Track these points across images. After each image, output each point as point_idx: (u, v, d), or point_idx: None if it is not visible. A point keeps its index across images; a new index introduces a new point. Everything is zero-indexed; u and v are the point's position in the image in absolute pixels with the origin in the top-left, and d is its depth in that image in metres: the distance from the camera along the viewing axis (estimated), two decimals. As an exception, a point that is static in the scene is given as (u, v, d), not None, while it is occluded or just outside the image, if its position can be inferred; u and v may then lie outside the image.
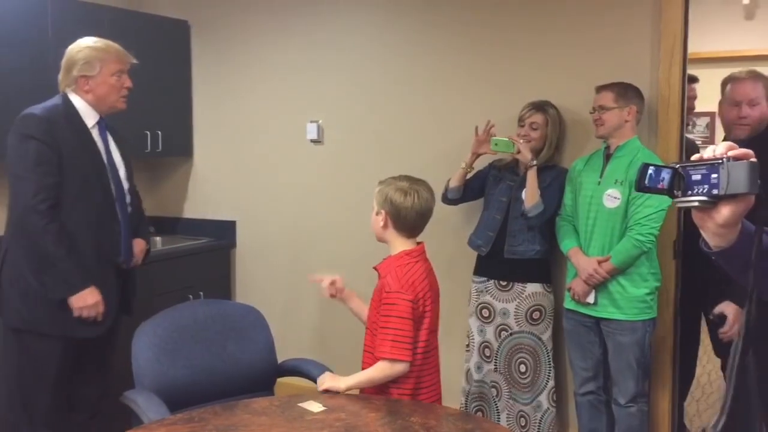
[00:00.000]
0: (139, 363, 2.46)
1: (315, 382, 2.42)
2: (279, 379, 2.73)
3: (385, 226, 2.35)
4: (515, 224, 3.23)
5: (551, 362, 3.28)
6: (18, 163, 2.63)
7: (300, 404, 2.16)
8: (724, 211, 1.14)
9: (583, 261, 3.00)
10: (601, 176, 3.02)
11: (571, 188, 3.15)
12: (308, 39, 4.04)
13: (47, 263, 2.64)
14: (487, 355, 3.33)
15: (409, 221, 2.34)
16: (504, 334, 3.27)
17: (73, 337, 2.72)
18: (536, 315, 3.23)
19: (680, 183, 1.17)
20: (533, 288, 3.23)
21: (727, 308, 2.76)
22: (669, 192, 1.18)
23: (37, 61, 3.41)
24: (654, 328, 3.04)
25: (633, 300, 2.94)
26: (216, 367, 2.59)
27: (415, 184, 2.36)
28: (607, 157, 3.04)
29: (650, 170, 1.18)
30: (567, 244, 3.10)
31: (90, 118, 2.77)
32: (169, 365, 2.50)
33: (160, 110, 4.18)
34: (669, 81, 3.16)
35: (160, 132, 4.14)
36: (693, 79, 3.60)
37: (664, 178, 1.18)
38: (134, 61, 2.88)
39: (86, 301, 2.67)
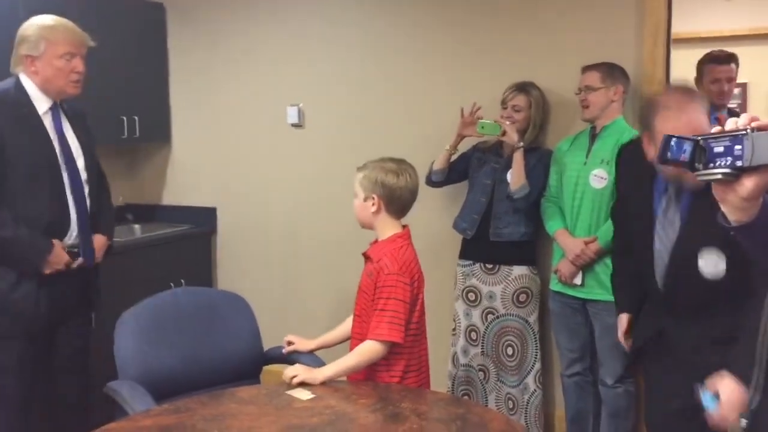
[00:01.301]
0: (122, 353, 2.41)
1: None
2: (265, 367, 2.69)
3: (377, 210, 2.30)
4: (500, 207, 3.21)
5: (538, 344, 3.27)
6: None
7: (288, 392, 2.12)
8: (748, 184, 1.11)
9: (569, 242, 2.98)
10: (587, 156, 3.00)
11: (557, 169, 3.13)
12: (287, 22, 3.97)
13: (3, 250, 2.53)
14: (474, 338, 3.31)
15: (403, 201, 2.32)
16: (491, 317, 3.25)
17: (22, 337, 2.60)
18: (523, 297, 3.22)
19: (702, 155, 1.14)
20: (520, 271, 3.21)
21: (722, 384, 2.33)
22: (690, 165, 1.15)
23: (6, 43, 3.30)
24: (640, 309, 3.03)
25: (620, 281, 2.94)
26: (201, 355, 2.55)
27: (402, 163, 2.35)
28: (593, 137, 3.03)
29: (672, 142, 1.15)
30: (553, 226, 3.08)
31: (42, 102, 2.61)
32: (153, 354, 2.45)
33: (136, 95, 4.09)
34: (654, 60, 3.15)
35: (136, 117, 4.05)
36: (727, 59, 3.64)
37: (686, 150, 1.15)
38: (91, 43, 2.69)
39: (57, 264, 2.60)
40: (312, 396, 2.09)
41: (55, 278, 2.63)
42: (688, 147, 1.15)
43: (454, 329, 3.40)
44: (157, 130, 4.28)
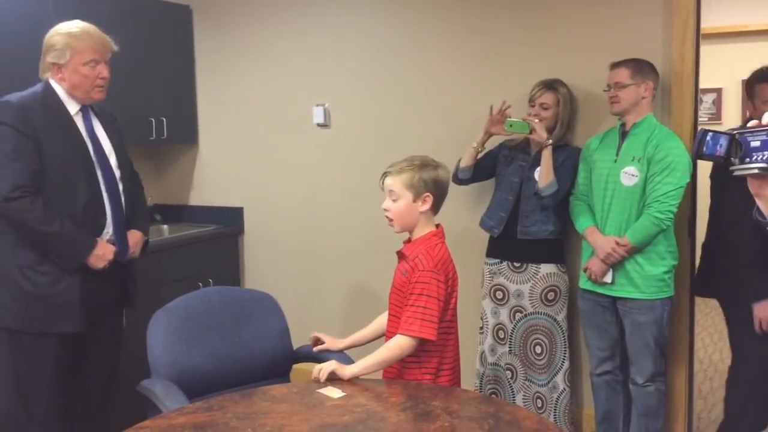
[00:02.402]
0: (155, 352, 2.43)
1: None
2: (294, 366, 2.71)
3: (430, 209, 2.33)
4: (528, 204, 3.19)
5: (567, 343, 3.25)
6: None
7: (319, 390, 2.13)
8: None
9: (600, 240, 2.96)
10: (617, 154, 2.98)
11: (586, 167, 3.11)
12: (313, 21, 3.99)
13: (49, 245, 2.58)
14: (501, 337, 3.30)
15: (445, 195, 2.39)
16: (518, 315, 3.24)
17: (65, 333, 2.63)
18: (551, 296, 3.20)
19: (738, 150, 1.13)
20: (548, 269, 3.20)
21: None
22: (726, 159, 1.14)
23: (37, 47, 3.35)
24: (671, 307, 3.00)
25: (651, 279, 2.91)
26: (231, 354, 2.57)
27: (433, 159, 2.38)
28: (623, 134, 3.00)
29: (708, 137, 1.14)
30: (583, 223, 3.06)
31: (72, 105, 2.67)
32: (185, 353, 2.47)
33: (163, 97, 4.13)
34: (683, 56, 3.11)
35: (164, 119, 4.09)
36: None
37: (721, 145, 1.13)
38: (115, 48, 2.74)
39: (106, 256, 2.65)
40: (343, 394, 2.10)
41: (95, 275, 2.66)
42: (723, 141, 1.14)
43: (481, 328, 3.39)
44: (184, 132, 4.32)
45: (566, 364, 3.25)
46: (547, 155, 3.07)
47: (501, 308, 3.29)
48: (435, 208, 2.35)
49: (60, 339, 2.64)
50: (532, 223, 3.19)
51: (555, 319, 3.22)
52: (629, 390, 3.09)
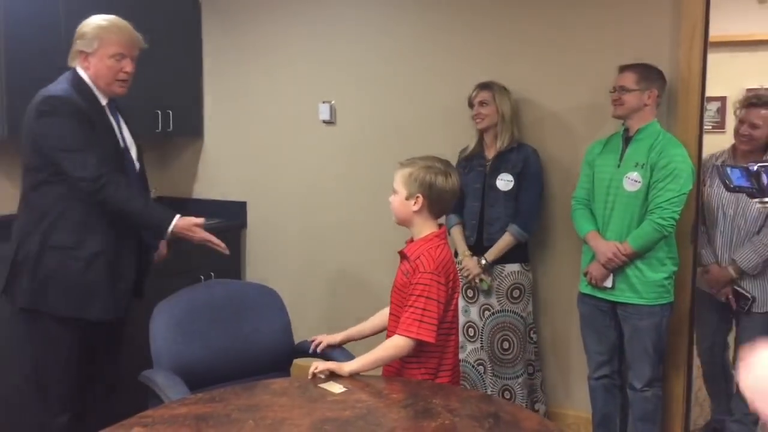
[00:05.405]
0: (158, 343, 2.45)
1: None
2: (295, 360, 2.72)
3: (419, 210, 2.31)
4: (492, 212, 3.30)
5: (533, 338, 3.39)
6: (68, 138, 2.57)
7: (320, 385, 2.14)
8: None
9: (602, 245, 2.97)
10: (620, 159, 2.99)
11: (588, 171, 3.12)
12: (321, 19, 4.00)
13: (138, 219, 2.67)
14: (471, 334, 3.39)
15: (446, 203, 2.35)
16: (487, 313, 3.34)
17: (89, 319, 2.67)
18: (516, 293, 3.31)
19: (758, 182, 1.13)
20: (512, 268, 3.31)
21: None
22: (761, 191, 1.14)
23: (47, 39, 3.37)
24: (671, 313, 3.02)
25: (651, 284, 2.93)
26: (233, 347, 2.59)
27: (448, 165, 2.35)
28: (626, 139, 3.01)
29: (728, 171, 1.15)
30: (584, 228, 3.07)
31: (101, 97, 2.74)
32: (187, 345, 2.49)
33: (170, 89, 4.14)
34: (689, 63, 3.12)
35: (170, 111, 4.10)
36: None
37: (745, 177, 1.14)
38: (144, 45, 2.81)
39: (190, 220, 2.71)
40: (344, 390, 2.11)
41: (124, 261, 2.72)
42: (745, 174, 1.14)
43: None
44: (190, 125, 4.33)
45: (533, 359, 3.39)
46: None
47: (471, 306, 3.37)
48: (432, 211, 2.33)
49: (84, 324, 2.67)
50: (497, 230, 3.30)
51: (521, 316, 3.32)
52: (627, 394, 3.11)
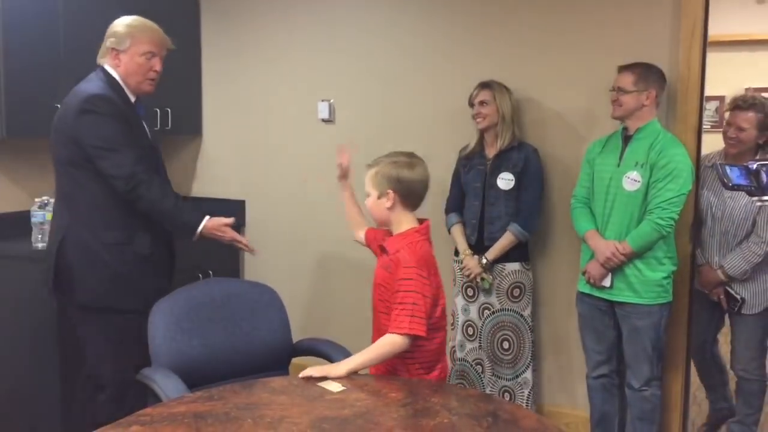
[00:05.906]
0: (156, 341, 2.44)
1: (331, 362, 2.40)
2: (294, 359, 2.71)
3: (392, 206, 2.31)
4: (492, 211, 3.29)
5: (533, 338, 3.37)
6: (109, 138, 2.61)
7: (319, 384, 2.14)
8: None
9: (601, 244, 2.97)
10: (620, 159, 2.99)
11: (588, 170, 3.12)
12: (320, 16, 3.99)
13: (168, 219, 2.74)
14: (470, 333, 3.38)
15: (418, 193, 2.35)
16: (486, 312, 3.33)
17: (146, 312, 2.65)
18: (516, 292, 3.31)
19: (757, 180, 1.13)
20: (512, 267, 3.30)
21: None
22: (760, 189, 1.14)
23: (47, 39, 3.37)
24: (669, 312, 3.02)
25: (649, 284, 2.93)
26: (231, 345, 2.58)
27: (413, 156, 2.37)
28: (626, 139, 3.01)
29: (727, 170, 1.15)
30: (583, 227, 3.07)
31: (131, 94, 2.79)
32: (185, 343, 2.48)
33: (169, 87, 4.07)
34: (689, 62, 3.13)
35: (169, 109, 4.10)
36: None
37: (744, 175, 1.14)
38: (172, 47, 2.87)
39: (220, 221, 2.77)
40: (343, 388, 2.11)
41: (162, 259, 2.80)
42: (744, 172, 1.14)
43: (452, 324, 3.44)
44: (188, 123, 4.33)
45: (533, 359, 3.37)
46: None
47: (471, 305, 3.36)
48: (405, 204, 2.33)
49: (138, 316, 2.67)
50: (498, 230, 3.29)
51: (521, 315, 3.31)
52: (625, 394, 3.11)
